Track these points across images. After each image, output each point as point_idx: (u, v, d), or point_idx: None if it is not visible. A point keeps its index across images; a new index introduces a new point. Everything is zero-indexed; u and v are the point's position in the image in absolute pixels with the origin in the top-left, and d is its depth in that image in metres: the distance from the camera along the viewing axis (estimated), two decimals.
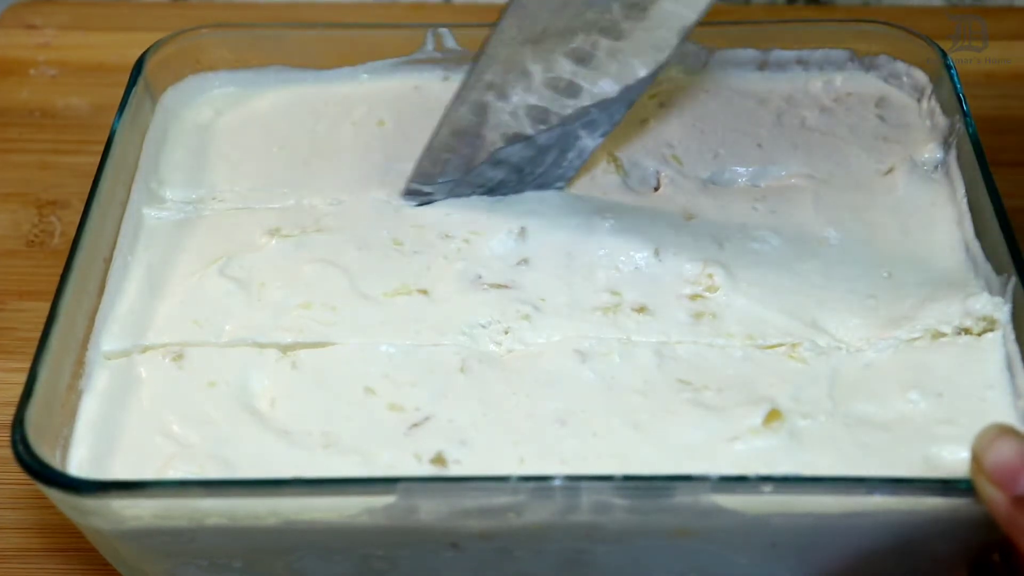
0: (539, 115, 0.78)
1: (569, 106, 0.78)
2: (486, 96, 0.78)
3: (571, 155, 0.81)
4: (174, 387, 0.71)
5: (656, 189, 0.83)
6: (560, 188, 0.82)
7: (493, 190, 0.82)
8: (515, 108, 0.78)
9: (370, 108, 0.89)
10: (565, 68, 0.76)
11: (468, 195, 0.82)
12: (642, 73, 0.76)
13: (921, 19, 0.97)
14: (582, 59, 0.76)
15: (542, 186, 0.82)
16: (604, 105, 0.78)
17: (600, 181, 0.83)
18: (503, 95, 0.78)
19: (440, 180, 0.81)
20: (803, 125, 0.87)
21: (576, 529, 0.65)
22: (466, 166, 0.80)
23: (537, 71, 0.77)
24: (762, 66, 0.90)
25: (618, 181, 0.83)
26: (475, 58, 0.77)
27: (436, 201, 0.82)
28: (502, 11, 0.75)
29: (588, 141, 0.80)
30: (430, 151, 0.80)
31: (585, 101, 0.78)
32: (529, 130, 0.79)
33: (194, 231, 0.80)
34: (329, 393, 0.71)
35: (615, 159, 0.84)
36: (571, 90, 0.77)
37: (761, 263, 0.77)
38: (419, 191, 0.82)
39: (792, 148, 0.85)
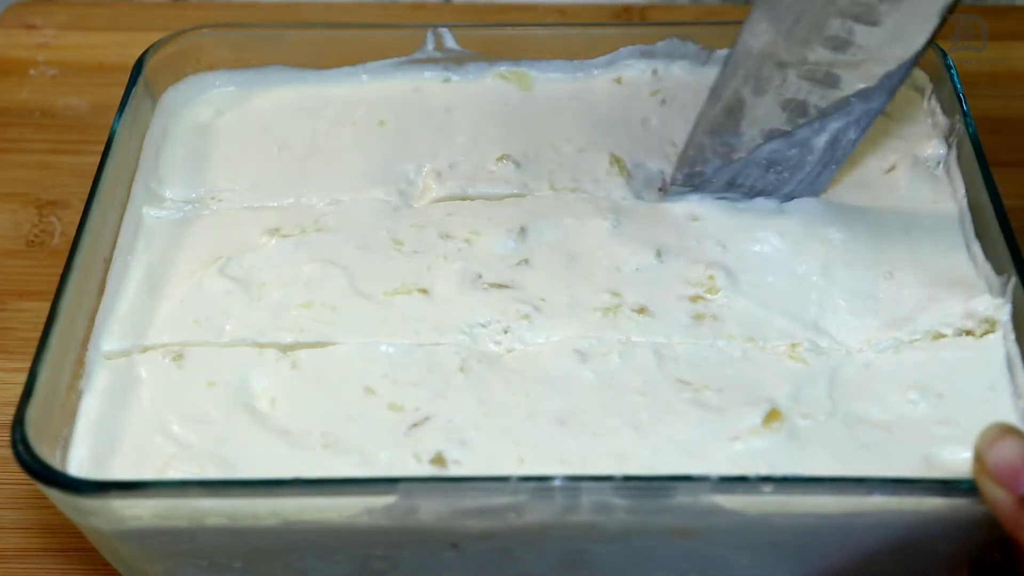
0: (797, 108, 0.77)
1: (828, 97, 0.76)
2: (742, 92, 0.77)
3: (835, 153, 0.79)
4: (174, 387, 0.71)
5: (660, 190, 0.83)
6: (816, 195, 0.81)
7: (752, 193, 0.81)
8: (772, 103, 0.77)
9: (370, 108, 0.89)
10: (822, 57, 0.75)
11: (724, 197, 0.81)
12: (903, 57, 0.74)
13: None
14: (838, 47, 0.74)
15: (802, 193, 0.81)
16: (864, 94, 0.76)
17: (604, 183, 0.83)
18: (759, 90, 0.76)
19: (698, 181, 0.80)
20: None
21: (576, 529, 0.65)
22: (724, 166, 0.79)
23: (793, 62, 0.75)
24: None
25: (622, 183, 0.83)
26: (727, 55, 0.76)
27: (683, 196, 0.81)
28: (752, 3, 0.74)
29: (850, 134, 0.78)
30: (686, 155, 0.80)
31: (845, 91, 0.76)
32: (787, 125, 0.77)
33: (194, 231, 0.80)
34: (329, 393, 0.71)
35: (618, 160, 0.84)
36: (829, 80, 0.75)
37: (763, 265, 0.77)
38: (679, 194, 0.81)
39: None
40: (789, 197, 0.81)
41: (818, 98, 0.76)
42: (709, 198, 0.81)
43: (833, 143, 0.78)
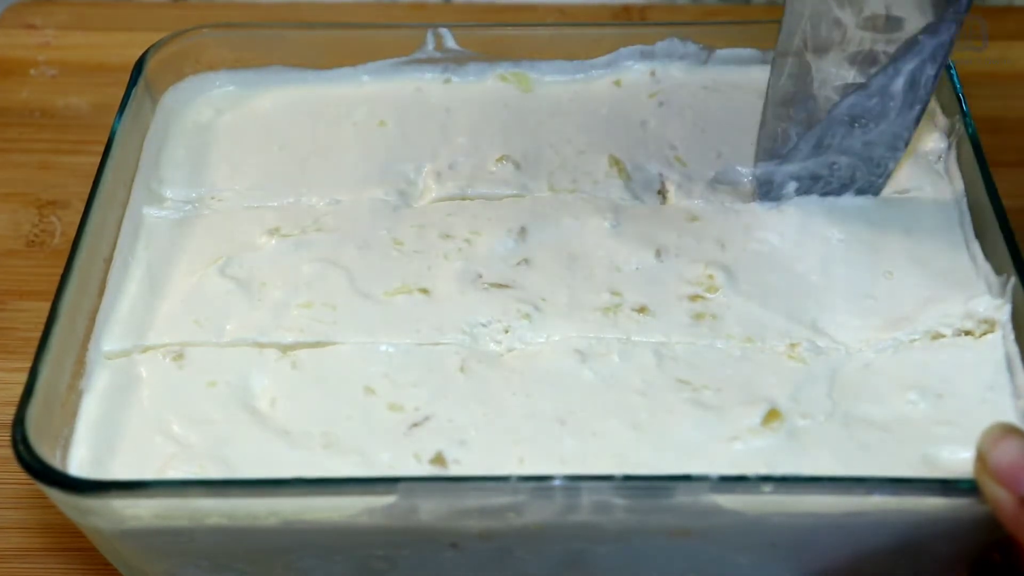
0: (866, 59, 0.75)
1: (894, 40, 0.74)
2: (804, 56, 0.76)
3: (918, 93, 0.77)
4: (174, 387, 0.71)
5: (660, 192, 0.83)
6: (899, 156, 0.80)
7: (840, 149, 0.79)
8: (837, 59, 0.76)
9: (371, 108, 0.89)
10: (877, 3, 0.73)
11: (813, 191, 0.80)
12: None
13: None
14: None
15: (884, 159, 0.80)
16: (931, 29, 0.73)
17: (603, 185, 0.83)
18: (821, 50, 0.75)
19: (784, 151, 0.79)
20: None
21: (576, 529, 0.65)
22: (807, 131, 0.78)
23: (848, 16, 0.74)
24: (763, 62, 0.90)
25: (621, 185, 0.83)
26: (779, 23, 0.75)
27: (783, 198, 0.81)
28: None
29: (928, 71, 0.76)
30: (764, 128, 0.79)
31: (910, 30, 0.74)
32: (860, 77, 0.76)
33: (194, 230, 0.80)
34: (329, 393, 0.71)
35: (618, 163, 0.84)
36: (891, 24, 0.74)
37: (762, 264, 0.77)
38: (769, 181, 0.80)
39: None
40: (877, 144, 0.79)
41: (884, 44, 0.75)
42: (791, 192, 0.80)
43: (912, 84, 0.76)
